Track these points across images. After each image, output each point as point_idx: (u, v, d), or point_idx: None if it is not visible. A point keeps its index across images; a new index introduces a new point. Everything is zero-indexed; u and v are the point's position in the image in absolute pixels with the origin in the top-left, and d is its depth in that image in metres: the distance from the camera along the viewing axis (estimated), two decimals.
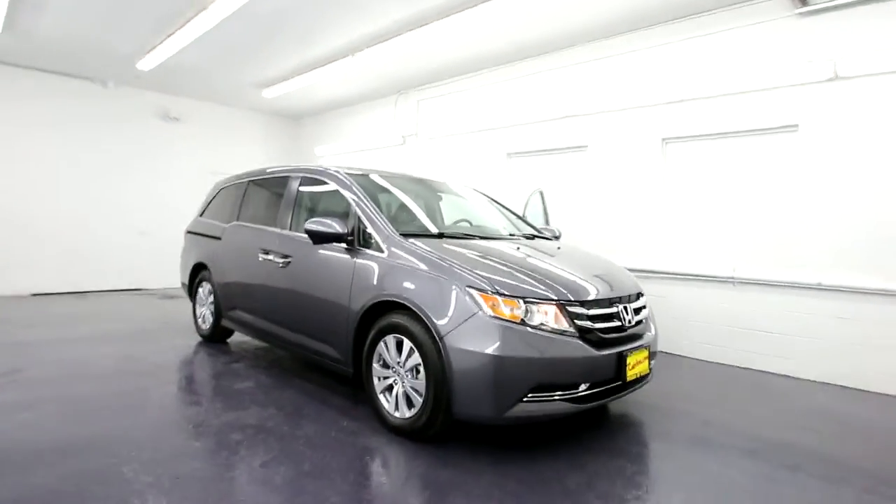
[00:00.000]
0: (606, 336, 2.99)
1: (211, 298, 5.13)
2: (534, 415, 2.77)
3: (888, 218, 4.20)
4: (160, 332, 5.68)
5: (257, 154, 10.44)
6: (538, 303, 2.84)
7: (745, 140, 5.01)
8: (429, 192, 4.46)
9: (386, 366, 3.18)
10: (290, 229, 4.18)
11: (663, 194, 5.54)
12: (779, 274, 4.72)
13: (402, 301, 3.03)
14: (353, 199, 3.69)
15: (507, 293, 2.83)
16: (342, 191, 3.84)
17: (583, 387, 2.85)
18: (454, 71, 7.43)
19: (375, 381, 3.23)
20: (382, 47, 6.26)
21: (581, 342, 2.84)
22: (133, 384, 3.87)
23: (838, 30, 4.41)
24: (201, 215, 5.74)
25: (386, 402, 3.18)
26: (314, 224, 3.55)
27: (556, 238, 4.50)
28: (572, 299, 2.93)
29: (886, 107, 4.20)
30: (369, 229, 3.47)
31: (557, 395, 2.79)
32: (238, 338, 5.42)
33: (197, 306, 5.43)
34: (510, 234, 4.04)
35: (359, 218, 3.57)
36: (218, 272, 4.96)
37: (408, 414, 3.02)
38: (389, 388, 3.16)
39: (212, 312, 5.12)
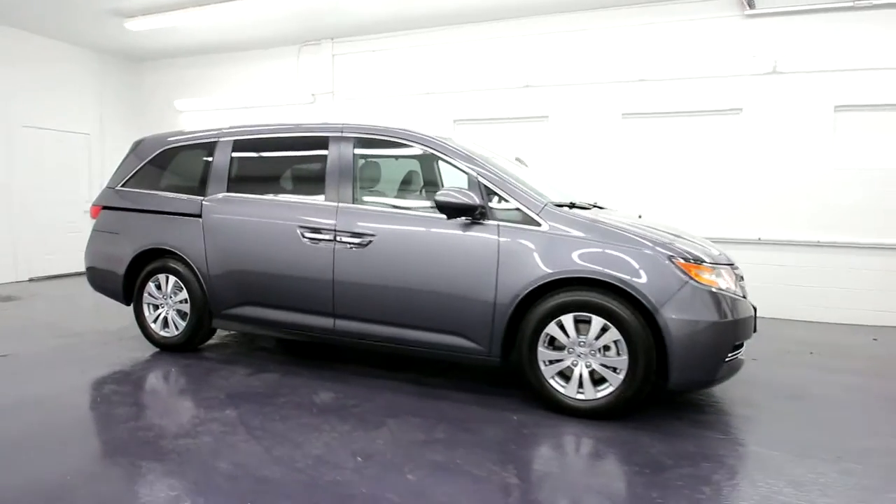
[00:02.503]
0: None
1: (183, 295, 3.87)
2: (728, 374, 2.93)
3: (813, 189, 5.46)
4: (67, 352, 4.07)
5: (89, 106, 7.94)
6: (722, 266, 2.96)
7: (696, 119, 5.84)
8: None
9: (556, 348, 2.94)
10: (353, 202, 3.42)
11: (622, 166, 6.11)
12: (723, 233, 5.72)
13: (601, 278, 2.80)
14: (475, 169, 3.20)
15: (707, 260, 2.88)
16: (451, 158, 3.29)
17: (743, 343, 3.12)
18: (388, 26, 6.77)
19: (542, 365, 2.96)
20: None
21: (746, 301, 3.08)
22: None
23: (779, 32, 5.42)
24: (123, 185, 4.22)
25: (560, 386, 2.94)
26: (448, 196, 3.00)
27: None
28: (733, 263, 3.15)
29: (815, 98, 5.40)
30: (513, 201, 3.08)
31: (739, 352, 3.00)
32: (218, 340, 4.22)
33: (146, 308, 4.02)
34: (593, 204, 3.98)
35: (487, 189, 3.13)
36: (209, 260, 3.75)
37: (599, 394, 2.87)
38: (560, 371, 2.94)
39: (189, 313, 3.86)
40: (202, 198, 3.86)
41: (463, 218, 3.08)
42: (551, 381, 2.95)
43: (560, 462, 2.51)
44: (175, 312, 3.95)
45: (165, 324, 3.99)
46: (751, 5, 5.37)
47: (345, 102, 7.33)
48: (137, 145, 4.36)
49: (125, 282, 4.09)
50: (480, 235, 3.06)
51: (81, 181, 7.92)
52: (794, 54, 5.36)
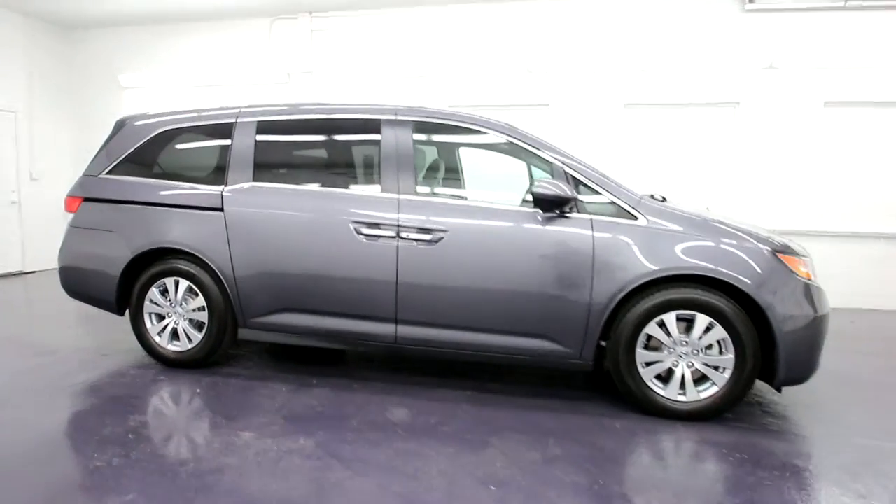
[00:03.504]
0: None
1: (198, 302, 3.31)
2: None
3: (802, 180, 5.73)
4: (38, 379, 3.38)
5: (15, 79, 6.75)
6: (806, 258, 2.93)
7: (696, 111, 5.93)
8: None
9: (652, 349, 2.79)
10: (416, 194, 3.06)
11: (624, 155, 6.09)
12: None
13: (712, 275, 2.66)
14: (561, 159, 2.95)
15: (801, 253, 2.83)
16: (532, 147, 3.01)
17: None
18: (377, 1, 6.28)
19: (640, 368, 2.80)
20: None
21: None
22: None
23: (777, 28, 5.61)
24: (108, 172, 3.55)
25: (659, 388, 2.80)
26: (545, 187, 2.74)
27: None
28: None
29: (809, 92, 5.63)
30: (606, 193, 2.86)
31: None
32: (243, 354, 3.66)
33: (148, 318, 3.41)
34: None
35: (576, 180, 2.90)
36: (235, 260, 3.22)
37: (702, 394, 2.75)
38: (658, 373, 2.79)
39: (207, 323, 3.31)
40: (222, 188, 3.31)
41: (555, 211, 2.84)
42: (650, 384, 2.80)
43: (712, 475, 2.35)
44: (187, 322, 3.38)
45: (174, 336, 3.41)
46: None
47: (325, 83, 6.75)
48: (122, 126, 3.67)
49: (119, 288, 3.44)
50: (572, 230, 2.83)
51: (7, 166, 6.73)
52: (790, 50, 5.58)
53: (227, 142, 3.40)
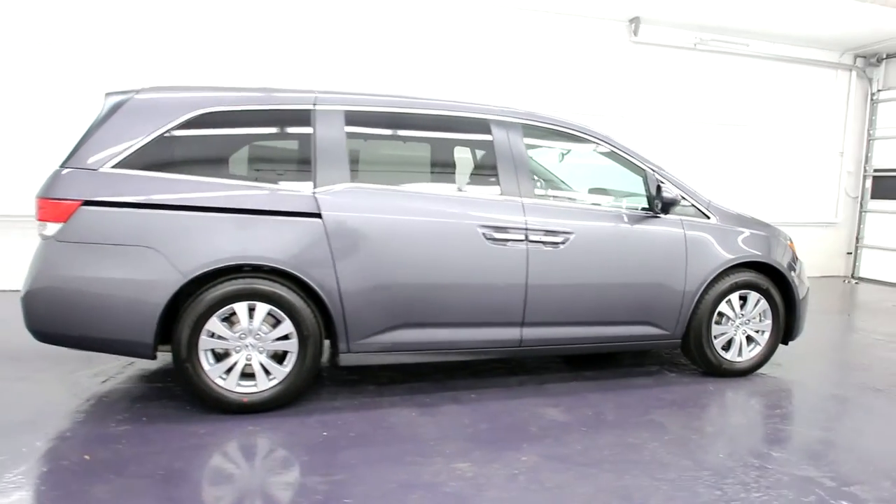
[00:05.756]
0: None
1: (283, 329, 2.69)
2: None
3: None
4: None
5: None
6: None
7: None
8: None
9: (717, 323, 3.43)
10: (535, 197, 3.08)
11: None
12: None
13: (765, 261, 3.40)
14: (647, 166, 3.31)
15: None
16: (622, 153, 3.30)
17: None
18: None
19: (715, 339, 3.42)
20: None
21: None
22: None
23: (654, 59, 6.93)
24: (118, 165, 2.60)
25: (724, 353, 3.46)
26: (669, 191, 3.13)
27: None
28: None
29: (677, 112, 7.11)
30: (689, 198, 3.35)
31: None
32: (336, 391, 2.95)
33: (204, 356, 2.61)
34: None
35: (659, 185, 3.32)
36: (341, 275, 2.70)
37: (751, 354, 3.51)
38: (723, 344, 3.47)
39: (295, 353, 2.70)
40: (311, 189, 2.74)
41: (661, 212, 3.23)
42: (720, 352, 3.46)
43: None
44: (265, 356, 2.72)
45: (244, 375, 2.70)
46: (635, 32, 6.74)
47: None
48: (122, 104, 2.67)
49: (160, 322, 2.55)
50: (671, 229, 3.28)
51: None
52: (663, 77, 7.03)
53: (304, 131, 2.82)
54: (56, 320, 2.55)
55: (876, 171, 7.73)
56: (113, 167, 2.58)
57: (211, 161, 2.78)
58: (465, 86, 6.14)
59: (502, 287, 2.98)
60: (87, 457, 2.26)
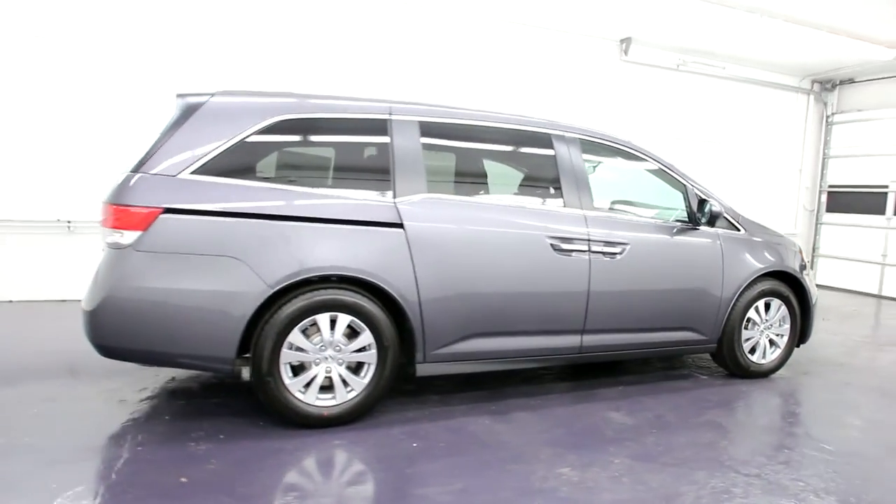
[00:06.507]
0: None
1: (362, 340, 2.65)
2: None
3: None
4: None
5: None
6: None
7: None
8: None
9: (745, 328, 3.69)
10: (594, 209, 3.21)
11: None
12: None
13: (785, 269, 3.68)
14: (688, 181, 3.52)
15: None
16: (666, 170, 3.51)
17: None
18: None
19: (744, 343, 3.66)
20: None
21: None
22: None
23: (642, 77, 7.29)
24: (197, 171, 2.51)
25: (751, 356, 3.70)
26: (716, 205, 3.39)
27: None
28: None
29: (659, 129, 7.51)
30: (724, 211, 3.57)
31: None
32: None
33: (284, 370, 2.54)
34: None
35: (701, 199, 3.53)
36: (421, 284, 2.70)
37: (772, 356, 3.77)
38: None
39: (374, 364, 2.68)
40: (391, 199, 2.74)
41: (703, 225, 3.45)
42: (747, 355, 3.71)
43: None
44: (343, 367, 2.67)
45: (324, 387, 2.64)
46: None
47: None
48: (199, 106, 2.56)
49: (244, 335, 2.46)
50: (709, 240, 3.51)
51: None
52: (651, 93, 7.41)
53: (381, 141, 2.82)
54: (128, 334, 2.41)
55: (830, 186, 8.50)
56: (191, 173, 2.48)
57: (290, 169, 2.73)
58: (461, 97, 6.24)
59: (567, 296, 3.08)
60: (183, 479, 2.15)
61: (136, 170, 2.47)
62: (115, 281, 2.37)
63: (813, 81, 8.36)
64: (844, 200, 8.27)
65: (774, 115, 8.28)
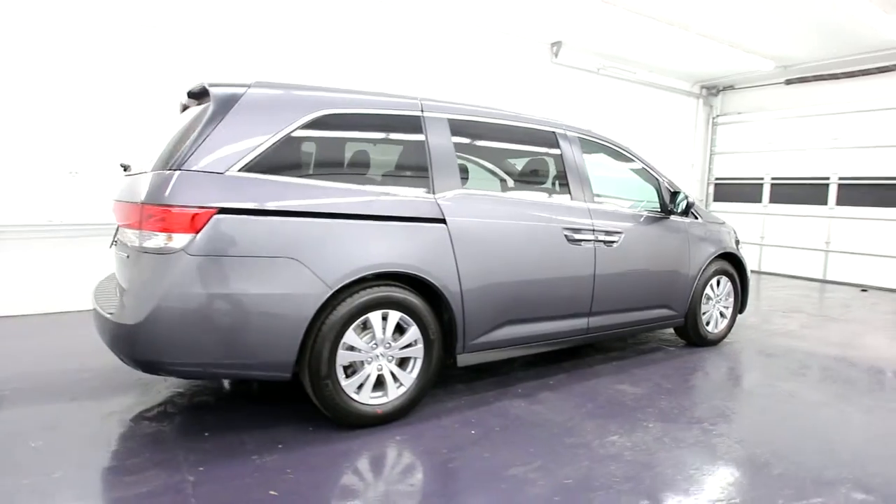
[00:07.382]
0: None
1: (409, 336, 2.69)
2: None
3: None
4: None
5: None
6: None
7: None
8: None
9: (705, 302, 4.25)
10: (594, 202, 3.51)
11: None
12: None
13: (733, 252, 4.29)
14: (660, 176, 3.95)
15: None
16: (645, 167, 3.92)
17: None
18: None
19: (702, 316, 4.22)
20: None
21: None
22: None
23: (571, 79, 7.81)
24: (245, 168, 2.38)
25: (707, 327, 4.28)
26: (690, 197, 3.84)
27: None
28: None
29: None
30: (690, 201, 4.06)
31: None
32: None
33: (341, 371, 2.49)
34: None
35: (671, 192, 3.98)
36: (463, 277, 2.78)
37: (721, 328, 4.40)
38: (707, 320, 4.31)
39: (420, 358, 2.72)
40: (432, 195, 2.78)
41: (677, 214, 3.91)
42: (707, 327, 4.29)
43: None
44: (393, 363, 2.68)
45: (376, 385, 2.63)
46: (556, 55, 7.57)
47: None
48: (237, 98, 2.40)
49: (304, 338, 2.38)
50: (678, 227, 3.99)
51: None
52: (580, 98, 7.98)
53: (417, 138, 2.84)
54: (181, 346, 2.21)
55: (717, 179, 9.83)
56: (239, 170, 2.32)
57: (334, 164, 2.65)
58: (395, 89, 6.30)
59: (579, 281, 3.35)
60: (273, 492, 2.05)
61: (169, 167, 2.26)
62: (165, 289, 2.16)
63: (702, 87, 9.60)
64: (728, 191, 9.63)
65: (672, 116, 9.38)
